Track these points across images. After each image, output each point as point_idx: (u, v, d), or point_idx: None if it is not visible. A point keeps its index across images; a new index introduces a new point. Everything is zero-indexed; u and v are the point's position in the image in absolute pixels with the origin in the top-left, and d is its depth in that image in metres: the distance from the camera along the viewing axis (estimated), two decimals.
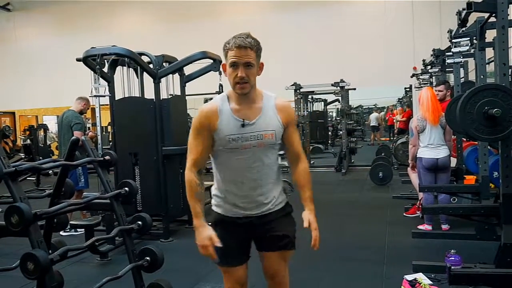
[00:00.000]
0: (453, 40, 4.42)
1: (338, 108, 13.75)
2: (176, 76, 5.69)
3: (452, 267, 2.87)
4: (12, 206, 2.11)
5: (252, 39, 1.90)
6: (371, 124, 16.95)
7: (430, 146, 4.69)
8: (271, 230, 2.06)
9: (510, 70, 3.26)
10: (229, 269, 2.11)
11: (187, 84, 5.69)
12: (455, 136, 5.49)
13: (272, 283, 2.17)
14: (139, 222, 2.83)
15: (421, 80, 8.52)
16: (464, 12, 3.44)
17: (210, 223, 2.05)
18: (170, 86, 5.87)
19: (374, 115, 17.13)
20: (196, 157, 2.00)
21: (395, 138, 12.80)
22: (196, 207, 1.99)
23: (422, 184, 4.76)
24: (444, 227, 4.69)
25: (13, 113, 15.09)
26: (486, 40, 3.77)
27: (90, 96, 5.18)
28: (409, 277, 3.24)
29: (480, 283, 2.98)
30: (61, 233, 4.87)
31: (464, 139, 5.44)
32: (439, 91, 5.36)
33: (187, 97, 5.80)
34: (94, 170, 2.91)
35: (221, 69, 5.07)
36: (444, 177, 4.74)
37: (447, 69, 6.47)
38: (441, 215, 4.69)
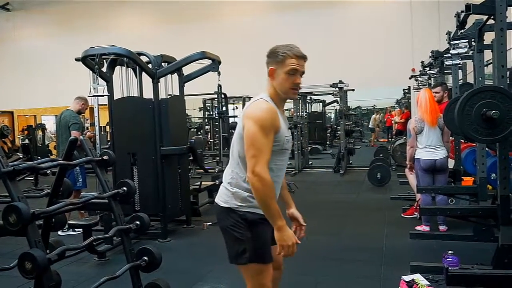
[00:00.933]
0: (451, 42, 4.43)
1: (336, 109, 13.77)
2: (175, 76, 5.69)
3: (450, 268, 2.88)
4: (10, 205, 2.11)
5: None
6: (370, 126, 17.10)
7: (428, 148, 4.70)
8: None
9: (508, 72, 3.28)
10: (270, 265, 2.11)
11: (186, 84, 5.69)
12: (453, 138, 5.51)
13: (278, 274, 2.29)
14: (137, 222, 2.83)
15: (419, 82, 8.53)
16: (463, 14, 3.45)
17: (249, 224, 2.03)
18: (169, 86, 5.87)
19: (372, 117, 17.29)
20: (269, 157, 1.96)
21: (393, 139, 12.84)
22: (277, 207, 1.96)
23: (420, 185, 4.77)
24: (442, 228, 4.70)
25: (11, 113, 15.08)
26: (485, 42, 3.79)
27: (88, 96, 5.17)
28: (407, 278, 3.24)
29: (477, 284, 2.99)
30: (59, 232, 4.87)
31: (462, 141, 5.45)
32: (436, 92, 5.38)
33: (185, 97, 5.80)
34: (92, 170, 2.91)
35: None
36: (442, 178, 4.75)
37: (445, 71, 6.49)
38: (439, 216, 4.70)
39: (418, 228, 4.77)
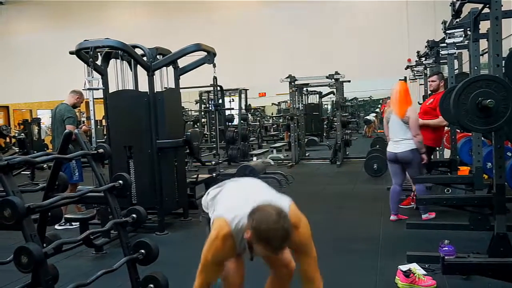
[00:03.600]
0: (447, 31, 4.41)
1: (333, 101, 13.76)
2: (170, 68, 5.66)
3: (446, 257, 2.89)
4: (4, 199, 2.11)
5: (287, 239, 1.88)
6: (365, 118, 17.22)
7: (392, 140, 4.78)
8: None
9: (503, 61, 3.27)
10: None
11: (181, 77, 5.66)
12: (448, 128, 5.52)
13: (286, 271, 2.29)
14: (134, 215, 2.83)
15: (415, 72, 8.52)
16: (458, 3, 3.44)
17: None
18: (164, 79, 5.84)
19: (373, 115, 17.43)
20: (211, 279, 2.13)
21: None
22: None
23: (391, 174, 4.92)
24: (424, 216, 4.72)
25: (7, 107, 15.01)
26: (480, 31, 3.77)
27: (83, 89, 5.14)
28: (403, 267, 3.26)
29: (473, 273, 3.01)
30: (56, 226, 4.87)
31: (458, 130, 5.46)
32: (432, 81, 5.39)
33: (181, 90, 5.78)
34: (88, 163, 2.90)
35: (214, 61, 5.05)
36: (409, 170, 4.75)
37: (441, 61, 6.48)
38: (420, 206, 4.74)
39: (425, 218, 4.78)
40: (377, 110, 18.08)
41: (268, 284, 2.37)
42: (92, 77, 4.87)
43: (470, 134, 4.59)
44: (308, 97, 14.92)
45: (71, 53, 5.00)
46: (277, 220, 1.81)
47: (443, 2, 5.00)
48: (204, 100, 12.99)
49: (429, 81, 5.62)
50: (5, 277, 3.46)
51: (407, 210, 5.27)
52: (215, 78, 6.82)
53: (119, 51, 5.09)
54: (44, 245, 2.43)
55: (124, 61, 5.44)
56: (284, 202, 2.05)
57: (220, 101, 9.76)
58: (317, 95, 15.33)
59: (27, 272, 2.13)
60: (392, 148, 4.76)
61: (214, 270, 2.07)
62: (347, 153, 10.86)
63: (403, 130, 4.66)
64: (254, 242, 1.88)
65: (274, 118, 18.29)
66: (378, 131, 16.59)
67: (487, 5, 3.06)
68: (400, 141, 4.68)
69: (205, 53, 5.39)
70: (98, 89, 5.01)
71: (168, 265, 3.56)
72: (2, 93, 13.40)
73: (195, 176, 6.19)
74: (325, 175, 8.79)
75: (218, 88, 9.21)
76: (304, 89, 12.92)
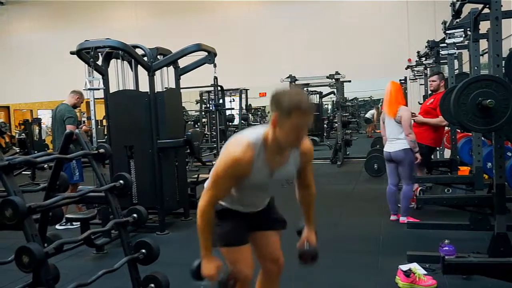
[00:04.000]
0: (447, 31, 4.42)
1: (333, 101, 13.75)
2: (171, 69, 5.67)
3: (446, 257, 2.89)
4: (6, 199, 2.11)
5: (313, 106, 1.92)
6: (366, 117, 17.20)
7: (388, 140, 4.79)
8: (271, 213, 2.29)
9: (503, 61, 3.27)
10: (241, 249, 2.14)
11: (182, 76, 5.67)
12: (449, 128, 5.52)
13: (275, 267, 2.27)
14: (135, 215, 2.83)
15: (415, 72, 8.52)
16: (458, 3, 3.44)
17: (217, 213, 2.07)
18: (165, 79, 5.85)
19: (370, 112, 17.38)
20: (220, 195, 2.02)
21: None
22: (209, 240, 2.02)
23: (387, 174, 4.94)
24: (402, 219, 4.70)
25: (7, 107, 15.01)
26: (480, 32, 3.78)
27: (84, 90, 5.15)
28: (404, 267, 3.26)
29: (473, 273, 3.01)
30: (57, 226, 4.87)
31: (459, 130, 5.46)
32: (433, 81, 5.39)
33: (182, 90, 5.78)
34: (89, 163, 2.91)
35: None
36: (401, 169, 4.73)
37: (441, 61, 6.48)
38: (402, 207, 4.73)
39: (401, 221, 4.73)
40: (379, 106, 18.03)
41: (258, 283, 2.36)
42: (93, 77, 4.87)
43: (470, 134, 4.60)
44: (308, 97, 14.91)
45: (72, 53, 5.01)
46: (299, 91, 1.93)
47: (443, 2, 5.01)
48: (205, 100, 12.99)
49: (429, 81, 5.63)
50: (6, 277, 3.47)
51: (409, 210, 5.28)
52: (215, 78, 6.84)
53: (120, 51, 5.10)
54: (45, 245, 2.43)
55: (124, 61, 5.45)
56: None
57: (221, 101, 9.77)
58: (318, 95, 15.32)
59: (28, 272, 2.14)
60: (388, 147, 4.79)
61: (225, 184, 1.98)
62: (348, 153, 10.86)
63: (397, 129, 4.66)
64: (282, 119, 1.83)
65: None
66: (377, 130, 16.60)
67: (487, 6, 3.07)
68: (395, 140, 4.69)
69: (206, 53, 5.40)
70: (98, 89, 5.01)
71: (168, 265, 3.57)
72: (2, 93, 13.39)
73: (196, 176, 6.19)
74: (325, 175, 8.79)
75: (219, 88, 9.21)
76: (305, 89, 12.91)
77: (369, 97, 20.57)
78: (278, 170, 2.01)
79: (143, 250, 2.71)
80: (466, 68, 6.63)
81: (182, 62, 5.59)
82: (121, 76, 5.48)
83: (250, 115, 13.47)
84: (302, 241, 2.28)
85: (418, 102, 8.00)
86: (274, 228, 2.28)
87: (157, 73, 5.34)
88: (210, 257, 2.02)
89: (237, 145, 1.93)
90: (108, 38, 4.99)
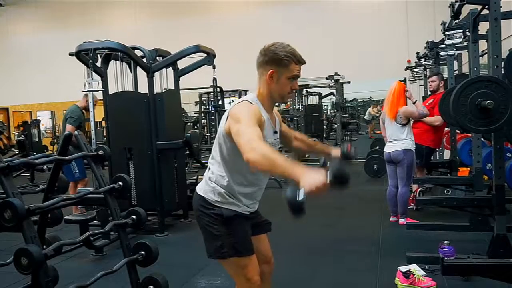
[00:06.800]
0: (446, 32, 4.42)
1: (333, 102, 13.76)
2: (170, 70, 5.67)
3: (445, 258, 2.89)
4: (4, 201, 2.10)
5: None
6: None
7: (389, 140, 4.79)
8: (258, 217, 2.29)
9: (502, 62, 3.27)
10: (252, 258, 2.13)
11: (181, 78, 5.67)
12: (448, 128, 5.52)
13: (268, 267, 2.31)
14: (134, 217, 2.82)
15: (415, 73, 8.53)
16: (457, 4, 3.44)
17: (225, 219, 2.07)
18: (164, 80, 5.85)
19: (368, 110, 17.32)
20: (258, 131, 1.80)
21: None
22: (287, 160, 1.65)
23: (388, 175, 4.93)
24: (401, 221, 4.70)
25: (6, 109, 15.00)
26: (479, 33, 3.78)
27: (82, 91, 5.14)
28: (403, 268, 3.26)
29: (473, 274, 3.01)
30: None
31: (458, 131, 5.46)
32: (432, 81, 5.39)
33: (181, 92, 5.78)
34: (88, 165, 2.90)
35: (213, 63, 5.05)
36: (399, 170, 4.72)
37: (440, 62, 6.48)
38: (399, 209, 4.73)
39: (401, 222, 4.73)
40: (374, 109, 17.98)
41: None
42: (92, 79, 4.87)
43: (470, 135, 4.60)
44: (308, 98, 14.91)
45: (71, 54, 5.00)
46: (286, 44, 2.02)
47: (442, 2, 5.01)
48: (204, 101, 12.97)
49: (429, 82, 5.63)
50: (4, 279, 3.46)
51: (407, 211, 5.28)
52: (214, 79, 6.82)
53: (119, 53, 5.09)
54: (44, 246, 2.43)
55: (123, 63, 5.44)
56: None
57: (220, 102, 9.76)
58: (317, 96, 15.32)
59: (27, 274, 2.13)
60: (387, 147, 4.79)
61: (255, 125, 1.83)
62: None
63: (398, 131, 4.66)
64: (280, 71, 1.97)
65: None
66: (377, 131, 16.60)
67: (486, 6, 3.07)
68: (395, 140, 4.69)
69: (205, 55, 5.40)
70: (97, 90, 5.01)
71: (168, 266, 3.57)
72: (1, 94, 13.40)
73: (195, 177, 6.19)
74: None
75: (218, 89, 9.21)
76: (304, 90, 12.92)
77: (368, 98, 20.58)
78: (277, 130, 2.13)
79: (142, 252, 2.71)
80: (465, 69, 6.64)
81: (181, 64, 5.59)
82: (120, 77, 5.47)
83: None
84: (336, 156, 2.29)
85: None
86: (265, 231, 2.33)
87: (156, 74, 5.34)
88: (304, 170, 1.60)
89: (242, 104, 1.99)
90: (107, 40, 4.99)
